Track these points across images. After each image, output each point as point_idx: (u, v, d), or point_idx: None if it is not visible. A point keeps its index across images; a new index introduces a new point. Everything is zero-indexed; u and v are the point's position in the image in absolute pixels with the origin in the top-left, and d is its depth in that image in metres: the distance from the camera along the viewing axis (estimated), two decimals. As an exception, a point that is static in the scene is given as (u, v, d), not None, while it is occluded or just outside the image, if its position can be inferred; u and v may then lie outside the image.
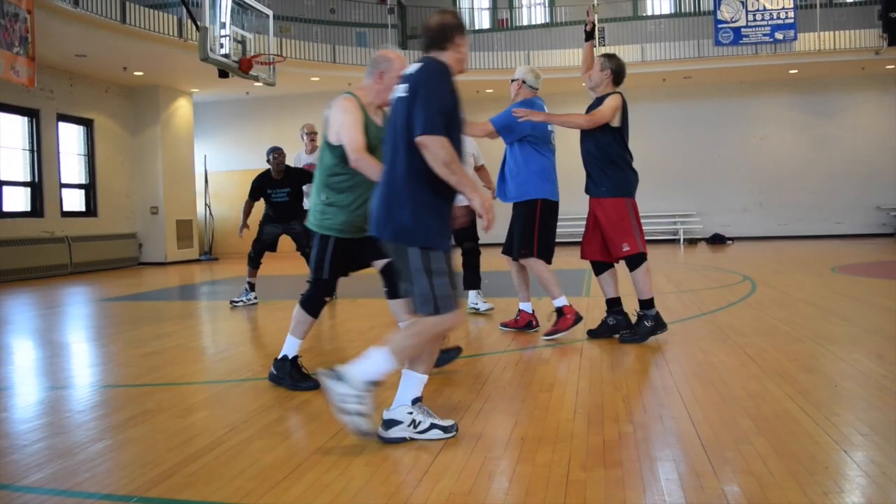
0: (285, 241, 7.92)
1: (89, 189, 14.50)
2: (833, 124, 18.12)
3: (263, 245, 7.73)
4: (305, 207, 8.08)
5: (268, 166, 7.66)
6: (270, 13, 11.21)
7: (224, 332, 6.50)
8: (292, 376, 3.92)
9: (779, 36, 15.97)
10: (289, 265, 11.26)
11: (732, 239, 17.78)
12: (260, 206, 7.80)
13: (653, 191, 18.61)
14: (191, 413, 3.53)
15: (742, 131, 18.37)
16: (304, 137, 8.29)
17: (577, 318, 5.16)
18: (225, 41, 9.37)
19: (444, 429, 2.96)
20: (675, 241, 17.57)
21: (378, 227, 2.98)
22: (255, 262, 7.70)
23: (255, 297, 7.73)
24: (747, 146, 18.38)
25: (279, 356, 3.98)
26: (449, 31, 3.04)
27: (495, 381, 3.94)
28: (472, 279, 6.49)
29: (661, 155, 18.45)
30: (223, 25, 9.36)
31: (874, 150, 17.73)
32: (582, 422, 3.13)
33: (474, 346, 5.10)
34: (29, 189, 13.01)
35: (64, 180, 13.73)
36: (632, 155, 4.98)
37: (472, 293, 6.51)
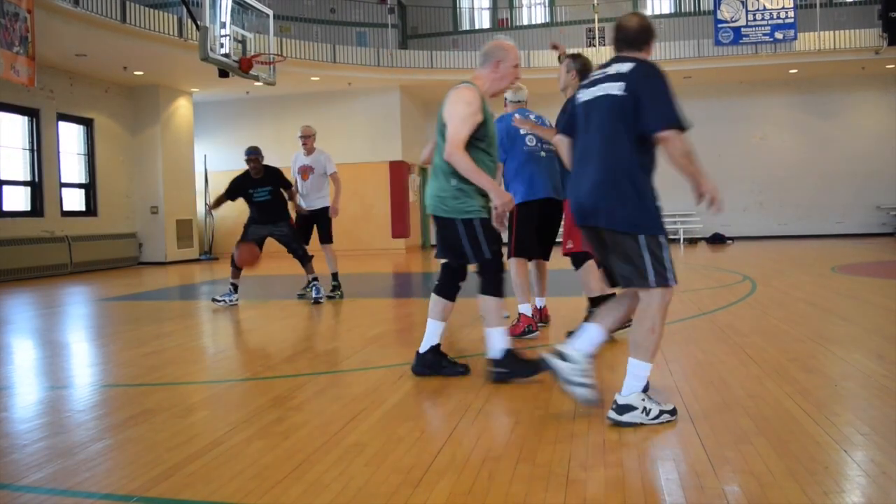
0: (275, 244, 7.90)
1: (89, 189, 14.50)
2: (833, 124, 18.13)
3: None
4: (305, 208, 8.08)
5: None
6: (270, 13, 11.21)
7: (224, 332, 6.50)
8: (521, 365, 3.82)
9: (779, 35, 15.97)
10: (294, 264, 11.26)
11: (732, 238, 17.79)
12: (245, 209, 7.80)
13: (653, 190, 18.65)
14: (191, 413, 3.53)
15: (742, 131, 18.38)
16: (300, 139, 8.27)
17: (527, 331, 5.22)
18: (225, 41, 9.37)
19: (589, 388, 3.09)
20: (675, 241, 17.57)
21: (596, 216, 3.07)
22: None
23: (237, 299, 7.68)
24: (747, 146, 18.38)
25: (496, 355, 3.82)
26: (649, 33, 3.18)
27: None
28: None
29: (660, 154, 18.43)
30: (223, 25, 9.36)
31: (874, 149, 17.74)
32: (582, 422, 3.13)
33: (474, 346, 5.10)
34: (29, 189, 13.02)
35: (64, 180, 13.74)
36: None
37: None
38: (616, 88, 3.02)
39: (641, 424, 3.01)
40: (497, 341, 3.81)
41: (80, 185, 14.35)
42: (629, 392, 3.04)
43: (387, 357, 4.74)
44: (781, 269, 10.00)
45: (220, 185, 17.59)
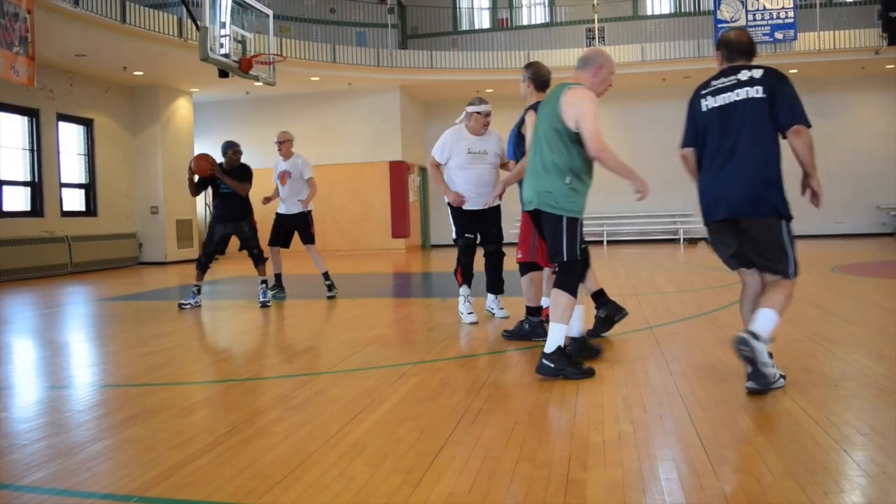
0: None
1: (89, 189, 14.51)
2: (833, 124, 18.13)
3: (214, 248, 7.72)
4: (290, 211, 8.11)
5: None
6: (270, 13, 11.20)
7: (224, 332, 6.50)
8: (569, 364, 3.88)
9: (779, 35, 15.98)
10: (291, 264, 11.27)
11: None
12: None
13: (653, 190, 18.47)
14: (190, 413, 3.53)
15: (742, 131, 18.38)
16: (276, 145, 8.28)
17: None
18: (225, 41, 9.36)
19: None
20: (675, 241, 17.57)
21: (751, 206, 3.45)
22: (204, 266, 7.69)
23: (200, 301, 7.73)
24: (747, 146, 18.39)
25: (548, 349, 3.87)
26: (755, 45, 3.72)
27: (495, 381, 3.93)
28: (495, 283, 6.16)
29: (661, 154, 18.41)
30: (223, 25, 9.35)
31: (874, 149, 17.75)
32: (582, 421, 3.13)
33: (473, 346, 5.10)
34: (29, 189, 13.02)
35: (64, 180, 13.74)
36: None
37: (490, 297, 6.23)
38: (755, 92, 3.44)
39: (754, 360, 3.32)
40: (554, 336, 3.88)
41: (80, 186, 14.36)
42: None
43: (386, 357, 4.74)
44: (781, 269, 9.97)
45: (220, 185, 17.70)
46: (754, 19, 16.03)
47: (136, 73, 14.27)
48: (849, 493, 2.31)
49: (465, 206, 5.95)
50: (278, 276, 8.41)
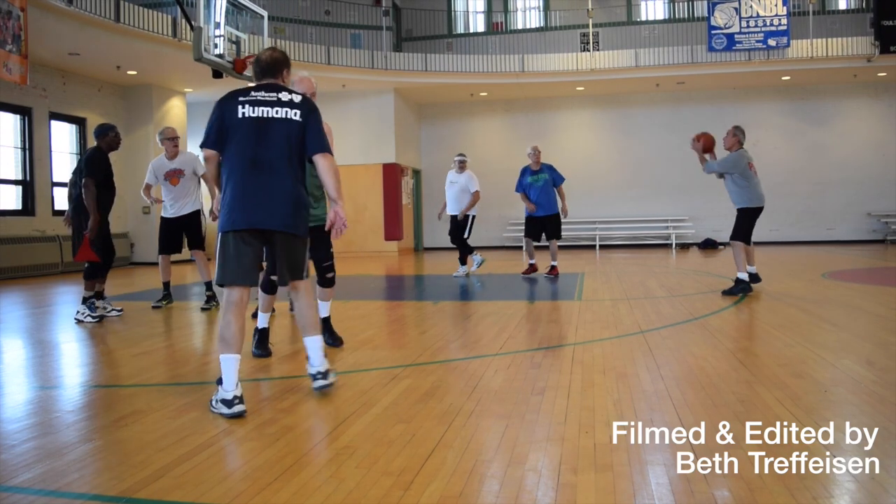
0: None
1: (81, 188, 14.43)
2: (825, 131, 18.22)
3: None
4: (181, 212, 7.58)
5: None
6: (265, 14, 11.20)
7: (215, 333, 6.47)
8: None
9: (772, 42, 16.06)
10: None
11: (724, 244, 17.83)
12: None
13: (645, 195, 18.69)
14: (181, 414, 3.52)
15: (735, 137, 18.46)
16: (165, 142, 7.48)
17: (531, 271, 10.25)
18: (219, 41, 9.35)
19: None
20: (667, 246, 17.61)
21: None
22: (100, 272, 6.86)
23: (110, 310, 6.99)
24: (740, 152, 18.46)
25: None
26: None
27: (487, 384, 3.93)
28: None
29: (653, 160, 18.51)
30: (217, 25, 9.34)
31: (865, 156, 17.85)
32: (573, 425, 3.13)
33: (465, 349, 5.10)
34: (20, 187, 12.96)
35: (55, 179, 13.67)
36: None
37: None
38: None
39: None
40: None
41: (71, 185, 14.28)
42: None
43: (378, 360, 4.74)
44: (772, 275, 10.03)
45: (212, 186, 17.64)
46: (748, 26, 16.11)
47: (129, 72, 14.22)
48: (838, 498, 2.32)
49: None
50: (167, 285, 7.79)
